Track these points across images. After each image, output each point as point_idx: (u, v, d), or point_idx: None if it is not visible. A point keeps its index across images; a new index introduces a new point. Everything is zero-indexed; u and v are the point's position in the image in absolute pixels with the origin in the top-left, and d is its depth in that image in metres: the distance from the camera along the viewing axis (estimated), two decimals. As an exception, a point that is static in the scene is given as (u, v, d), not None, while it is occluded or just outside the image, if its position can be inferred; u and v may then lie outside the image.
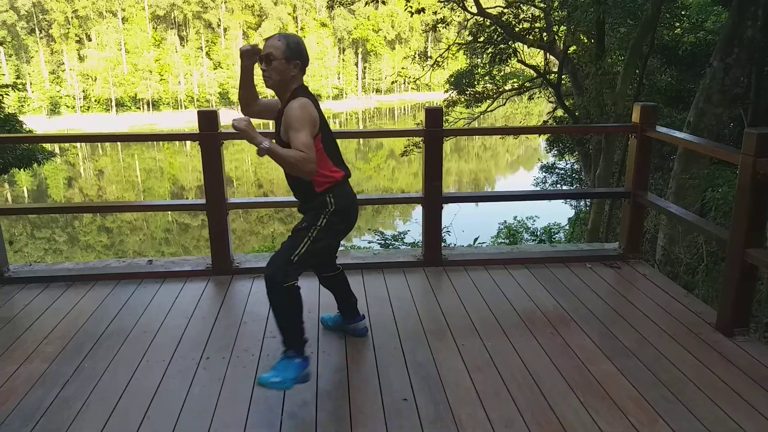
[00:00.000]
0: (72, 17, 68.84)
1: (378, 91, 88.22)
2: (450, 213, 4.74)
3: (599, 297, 3.73)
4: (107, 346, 3.18)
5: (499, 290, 3.85)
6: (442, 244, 4.34)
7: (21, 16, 66.82)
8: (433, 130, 4.03)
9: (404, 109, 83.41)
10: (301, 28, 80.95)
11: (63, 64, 68.26)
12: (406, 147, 16.38)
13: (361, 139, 57.68)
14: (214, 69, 73.96)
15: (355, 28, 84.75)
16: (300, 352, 2.70)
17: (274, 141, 2.65)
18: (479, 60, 17.31)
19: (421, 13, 13.54)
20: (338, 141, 3.01)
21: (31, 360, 3.04)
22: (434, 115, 4.07)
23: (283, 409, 2.62)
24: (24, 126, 12.87)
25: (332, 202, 2.78)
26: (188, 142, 55.17)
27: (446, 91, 18.19)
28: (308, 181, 2.71)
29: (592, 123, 10.89)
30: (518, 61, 15.09)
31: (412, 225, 9.69)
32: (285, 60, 2.73)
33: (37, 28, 67.99)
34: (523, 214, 14.56)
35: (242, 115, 2.76)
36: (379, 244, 8.12)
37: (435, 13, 15.06)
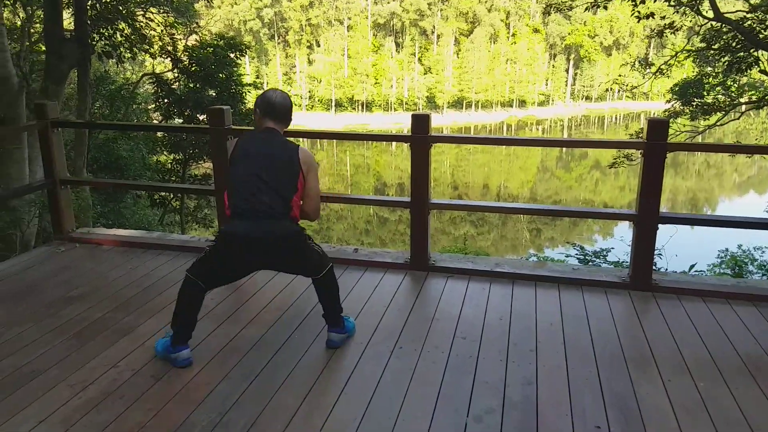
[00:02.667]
0: (305, 25, 76.69)
1: (588, 98, 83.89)
2: (663, 234, 4.31)
3: None
4: (313, 322, 3.47)
5: (718, 326, 3.41)
6: (653, 267, 3.98)
7: (264, 23, 76.30)
8: (656, 143, 3.71)
9: (615, 118, 78.12)
10: (513, 34, 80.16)
11: (295, 66, 76.45)
12: (615, 158, 15.31)
13: (564, 148, 55.35)
14: (424, 74, 76.78)
15: (569, 34, 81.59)
16: (174, 338, 2.99)
17: None
18: (711, 69, 15.54)
19: (651, 18, 12.51)
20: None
21: (252, 324, 3.45)
22: (658, 126, 3.74)
23: (469, 411, 2.63)
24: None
25: (220, 229, 3.16)
26: (393, 143, 58.23)
27: (668, 101, 16.63)
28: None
29: None
30: (760, 71, 13.21)
31: (614, 242, 9.02)
32: (254, 111, 3.24)
33: (276, 35, 77.02)
34: (750, 243, 12.68)
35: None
36: (577, 258, 7.71)
37: (663, 17, 13.83)
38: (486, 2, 78.80)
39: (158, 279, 4.12)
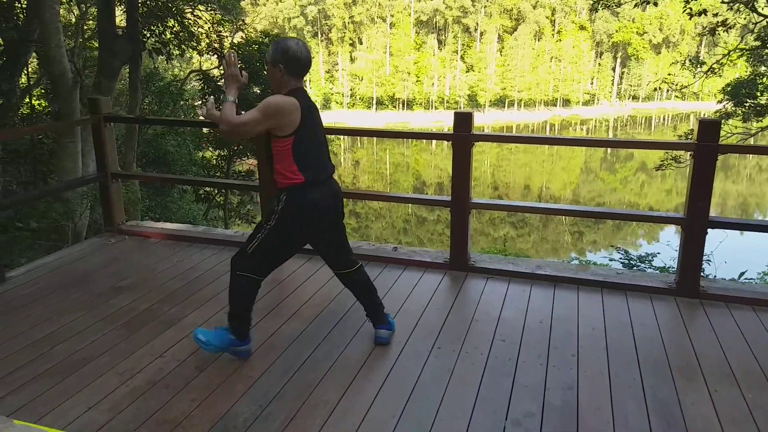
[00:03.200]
0: (348, 22, 77.08)
1: (635, 97, 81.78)
2: (712, 240, 4.18)
3: None
4: (354, 318, 3.51)
5: (769, 337, 3.30)
6: (701, 273, 3.86)
7: (308, 21, 77.01)
8: (707, 145, 3.60)
9: (663, 118, 75.93)
10: (558, 32, 78.74)
11: (337, 64, 76.93)
12: (662, 161, 14.89)
13: (608, 149, 54.11)
14: (466, 72, 76.19)
15: (616, 31, 79.65)
16: (236, 334, 2.99)
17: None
18: (765, 68, 14.95)
19: (703, 15, 12.10)
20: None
21: (293, 320, 3.51)
22: (709, 127, 3.62)
23: (507, 414, 2.61)
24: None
25: (284, 201, 2.85)
26: (433, 141, 58.03)
27: (719, 102, 16.08)
28: (274, 175, 2.87)
29: None
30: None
31: (660, 247, 8.79)
32: (271, 65, 2.84)
33: (319, 32, 77.65)
34: (806, 251, 12.17)
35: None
36: (621, 263, 7.53)
37: (716, 14, 13.37)
38: (531, -1, 77.70)
39: (203, 272, 4.22)
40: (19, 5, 9.44)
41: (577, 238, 35.17)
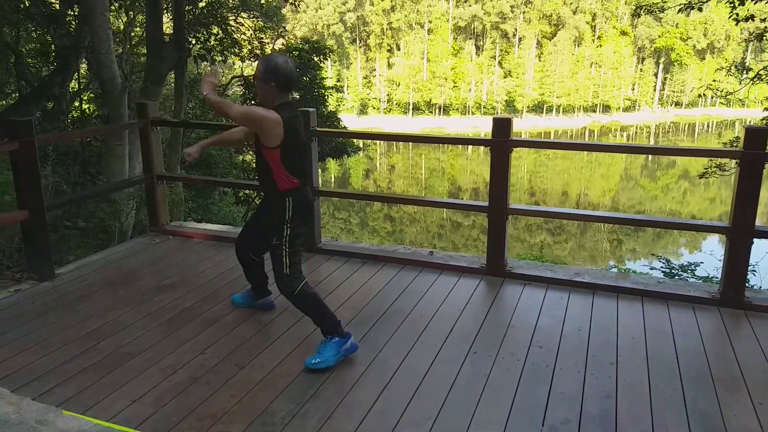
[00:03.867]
0: (386, 29, 77.42)
1: (678, 104, 79.77)
2: (757, 250, 4.07)
3: None
4: (389, 321, 3.54)
5: (819, 351, 3.19)
6: (746, 284, 3.76)
7: (347, 27, 77.66)
8: (754, 153, 3.51)
9: (707, 125, 73.80)
10: (599, 37, 77.45)
11: (374, 70, 77.33)
12: (706, 168, 14.48)
13: (650, 156, 52.83)
14: (504, 77, 75.60)
15: (659, 36, 77.85)
16: (336, 333, 3.06)
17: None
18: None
19: (750, 20, 11.76)
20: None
21: (330, 321, 3.55)
22: (756, 134, 3.54)
23: (544, 421, 2.60)
24: (341, 123, 14.99)
25: (290, 205, 3.08)
26: (470, 146, 57.66)
27: (766, 109, 15.56)
28: (272, 180, 3.08)
29: None
30: None
31: (703, 256, 8.56)
32: (262, 81, 3.01)
33: (357, 39, 78.23)
34: None
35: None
36: (662, 272, 7.37)
37: (764, 20, 12.98)
38: (571, 4, 76.54)
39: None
40: (72, 13, 9.83)
41: (615, 246, 34.42)
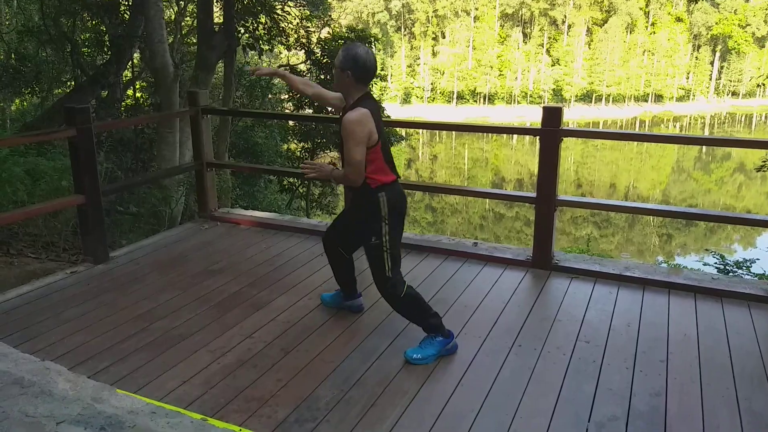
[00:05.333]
0: (432, 16, 76.74)
1: (734, 94, 76.48)
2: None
3: None
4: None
5: None
6: (808, 283, 3.60)
7: (392, 16, 77.34)
8: (820, 146, 3.34)
9: (765, 116, 70.58)
10: (653, 24, 74.78)
11: (419, 59, 76.81)
12: (764, 161, 13.84)
13: (703, 147, 50.93)
14: (552, 66, 73.96)
15: (716, 23, 74.61)
16: (439, 332, 3.01)
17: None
18: None
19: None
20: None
21: (373, 310, 3.56)
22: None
23: (590, 417, 2.56)
24: (384, 112, 14.97)
25: (384, 202, 2.98)
26: (514, 136, 56.74)
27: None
28: (366, 177, 2.97)
29: None
30: None
31: (759, 253, 8.23)
32: (340, 69, 2.94)
33: (402, 27, 77.83)
34: None
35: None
36: (716, 268, 7.12)
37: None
38: (624, -10, 74.20)
39: (290, 259, 4.38)
40: (126, 3, 10.11)
41: (665, 241, 33.45)
